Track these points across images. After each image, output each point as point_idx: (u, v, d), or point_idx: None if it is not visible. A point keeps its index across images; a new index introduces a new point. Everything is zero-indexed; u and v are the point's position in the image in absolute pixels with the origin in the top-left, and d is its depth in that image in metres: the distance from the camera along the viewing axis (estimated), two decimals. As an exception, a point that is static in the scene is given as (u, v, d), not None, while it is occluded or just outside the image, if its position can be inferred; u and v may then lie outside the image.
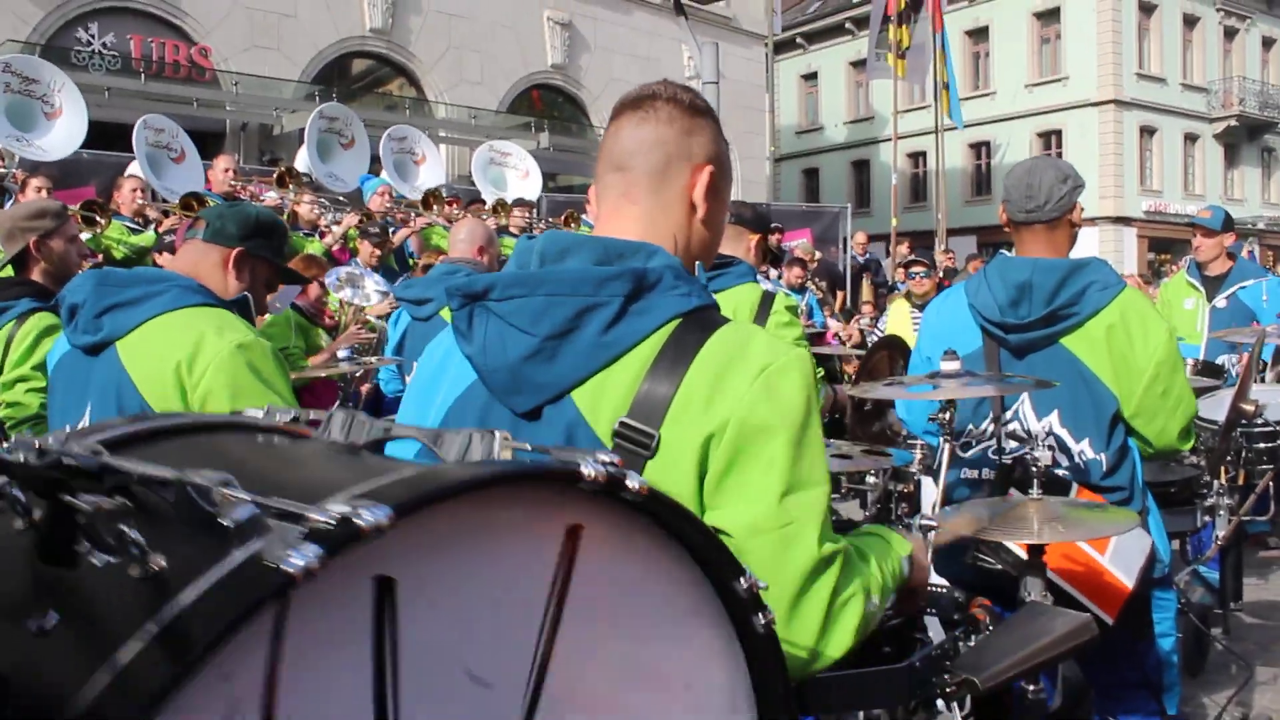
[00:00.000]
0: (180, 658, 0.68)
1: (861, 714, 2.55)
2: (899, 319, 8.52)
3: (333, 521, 0.75)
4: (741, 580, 1.12)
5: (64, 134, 9.49)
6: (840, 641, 1.48)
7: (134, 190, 8.45)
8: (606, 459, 0.98)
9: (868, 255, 16.96)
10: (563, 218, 10.45)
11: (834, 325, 11.59)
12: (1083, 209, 3.26)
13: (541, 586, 0.97)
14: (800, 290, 11.49)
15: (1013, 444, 3.10)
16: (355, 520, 0.75)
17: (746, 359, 1.48)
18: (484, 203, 10.77)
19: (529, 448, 1.10)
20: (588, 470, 0.96)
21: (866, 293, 14.36)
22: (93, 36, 17.26)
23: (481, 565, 0.92)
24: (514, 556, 0.95)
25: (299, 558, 0.72)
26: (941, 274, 11.98)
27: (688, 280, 1.57)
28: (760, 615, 1.14)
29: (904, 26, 18.46)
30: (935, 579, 2.87)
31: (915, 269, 8.54)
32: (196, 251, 2.95)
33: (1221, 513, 3.95)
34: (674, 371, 1.47)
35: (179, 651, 0.69)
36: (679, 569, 1.11)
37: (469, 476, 0.90)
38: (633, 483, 1.00)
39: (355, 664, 0.82)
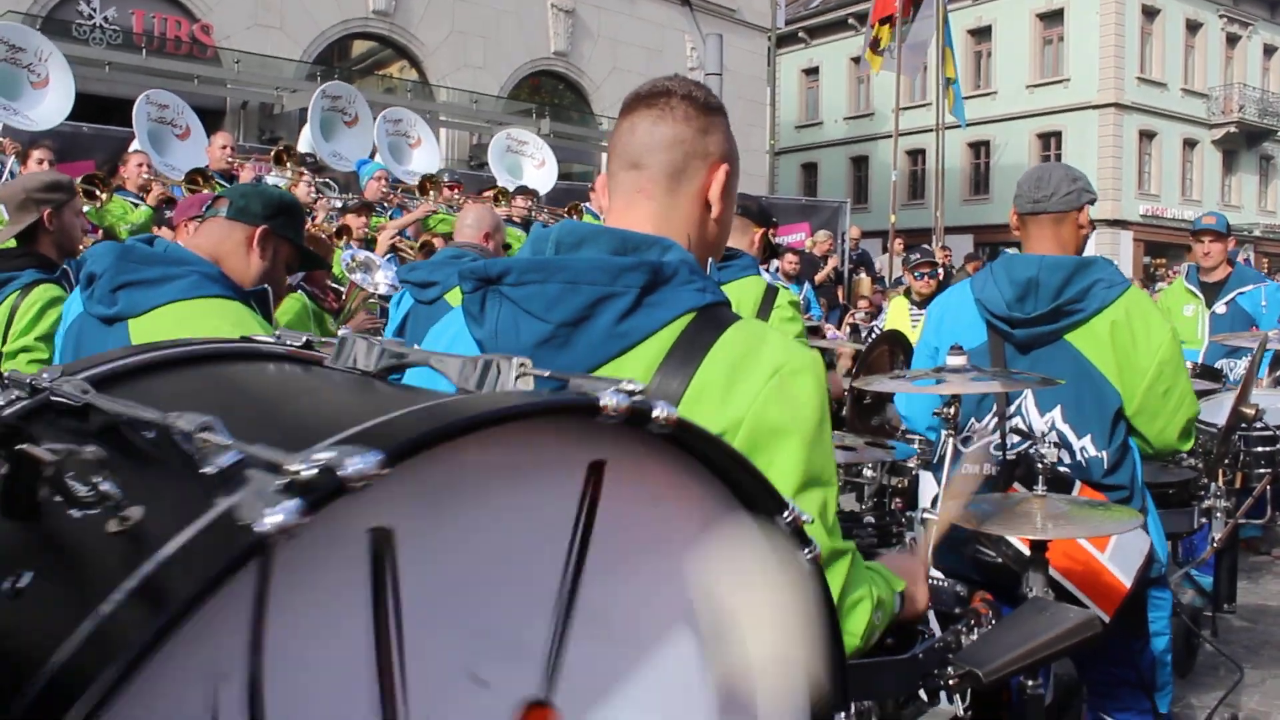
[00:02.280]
0: (156, 616, 0.63)
1: (852, 705, 2.56)
2: (898, 316, 8.53)
3: (314, 471, 0.69)
4: (785, 514, 1.07)
5: (51, 104, 9.44)
6: (847, 641, 1.49)
7: (139, 165, 8.44)
8: (630, 388, 0.91)
9: (859, 251, 16.98)
10: (566, 209, 10.43)
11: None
12: (1091, 219, 3.27)
13: (562, 532, 0.91)
14: (797, 281, 11.51)
15: (1015, 439, 3.11)
16: (339, 470, 0.69)
17: (760, 359, 1.48)
18: (492, 188, 10.75)
19: (547, 374, 1.00)
20: (608, 401, 0.88)
21: (866, 288, 14.37)
22: (94, 10, 17.17)
23: (492, 509, 0.85)
24: (529, 499, 0.88)
25: (275, 514, 0.65)
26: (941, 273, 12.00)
27: (702, 276, 1.57)
28: (806, 550, 1.10)
29: (887, 25, 18.40)
30: (934, 572, 2.89)
31: (921, 269, 8.55)
32: (220, 230, 2.90)
33: (1218, 515, 3.96)
34: (687, 365, 1.47)
35: (155, 610, 0.64)
36: (714, 503, 1.04)
37: (474, 414, 0.82)
38: (659, 411, 0.92)
39: (352, 622, 0.76)
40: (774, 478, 1.42)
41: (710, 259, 1.78)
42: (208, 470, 0.73)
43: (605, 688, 0.96)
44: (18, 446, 0.80)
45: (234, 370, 1.16)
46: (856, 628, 1.51)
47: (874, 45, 18.71)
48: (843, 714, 1.16)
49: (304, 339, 1.22)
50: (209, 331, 2.61)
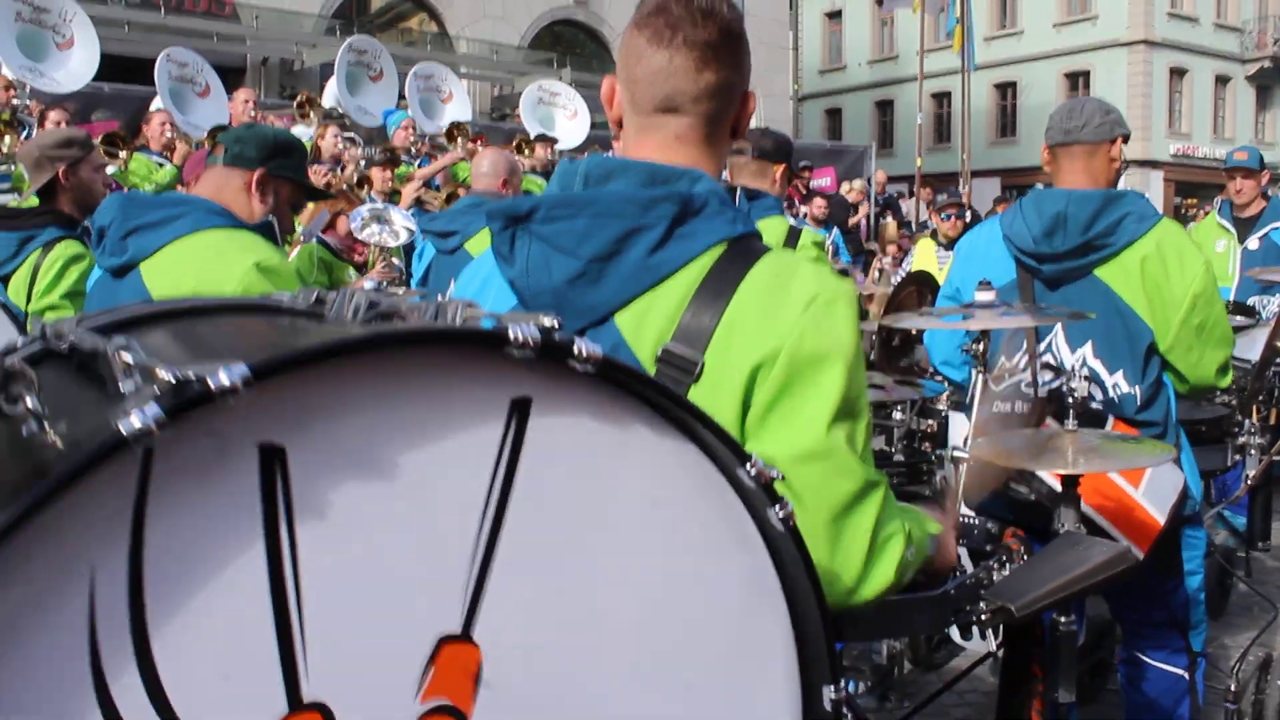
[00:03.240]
0: (29, 495, 0.70)
1: (885, 643, 2.58)
2: (925, 258, 8.48)
3: (178, 379, 0.74)
4: (748, 467, 1.05)
5: (76, 65, 9.43)
6: (882, 575, 1.48)
7: (162, 124, 8.45)
8: (548, 323, 0.90)
9: (885, 195, 16.82)
10: (585, 154, 10.39)
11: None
12: (1124, 153, 3.21)
13: (483, 466, 0.91)
14: (825, 226, 11.41)
15: (1047, 376, 3.07)
16: (209, 380, 0.73)
17: (795, 288, 1.46)
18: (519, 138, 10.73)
19: (498, 318, 0.96)
20: (517, 333, 0.87)
21: (893, 232, 14.23)
22: (113, -32, 17.11)
23: (404, 440, 0.87)
24: (445, 431, 0.89)
25: (137, 418, 0.71)
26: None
27: (733, 207, 1.54)
28: (778, 508, 1.08)
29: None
30: (965, 510, 2.87)
31: (948, 210, 8.51)
32: (219, 176, 2.93)
33: (1252, 452, 3.92)
34: (720, 297, 1.45)
35: (30, 490, 0.70)
36: (670, 455, 1.03)
37: (348, 337, 0.85)
38: (581, 347, 0.91)
39: (243, 535, 0.80)
40: (817, 403, 1.41)
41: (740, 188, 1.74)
42: (123, 387, 0.79)
43: (531, 625, 0.95)
44: None
45: (218, 319, 1.19)
46: (890, 563, 1.48)
47: None
48: (830, 688, 1.15)
49: (316, 295, 1.23)
50: (218, 258, 2.65)
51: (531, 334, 0.88)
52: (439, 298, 1.00)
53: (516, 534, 0.92)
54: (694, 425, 1.04)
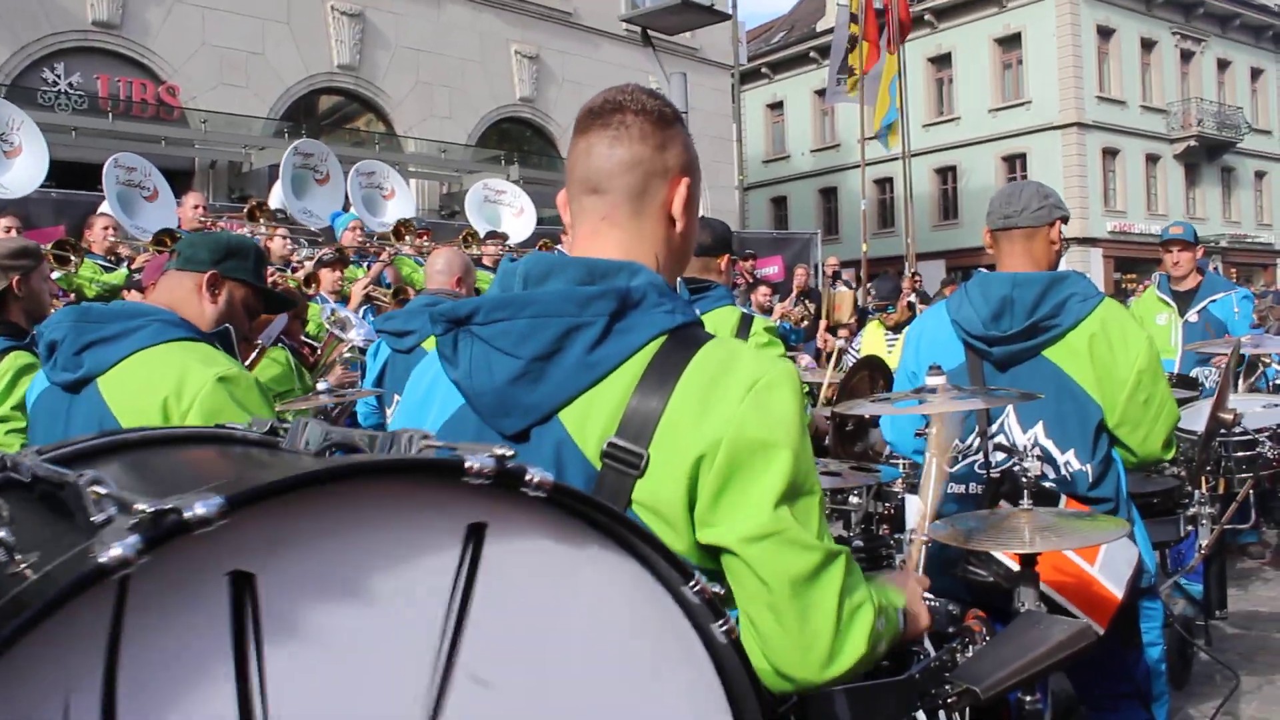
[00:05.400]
0: (8, 625, 0.71)
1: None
2: (874, 341, 8.61)
3: (155, 511, 0.76)
4: (692, 584, 1.09)
5: (24, 172, 9.45)
6: (854, 647, 1.47)
7: (105, 229, 8.44)
8: (502, 452, 0.94)
9: (837, 273, 17.05)
10: (537, 247, 10.46)
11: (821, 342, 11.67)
12: (1063, 237, 3.29)
13: (441, 588, 0.94)
14: (768, 313, 11.54)
15: (999, 457, 3.12)
16: (185, 512, 0.76)
17: (734, 375, 1.47)
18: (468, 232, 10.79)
19: (454, 448, 1.01)
20: (473, 463, 0.92)
21: (847, 307, 14.36)
22: (59, 76, 17.16)
23: (367, 564, 0.90)
24: (405, 553, 0.93)
25: (116, 548, 0.73)
26: (915, 297, 12.08)
27: (671, 297, 1.56)
28: (720, 623, 1.11)
29: (858, 49, 18.68)
30: (924, 593, 2.88)
31: (879, 307, 8.90)
32: (171, 280, 2.94)
33: (1204, 522, 3.98)
34: (661, 389, 1.46)
35: (9, 621, 0.71)
36: (618, 572, 1.07)
37: (317, 469, 0.89)
38: (534, 475, 0.96)
39: (213, 661, 0.82)
40: (761, 490, 1.42)
41: (681, 280, 1.77)
42: (95, 518, 0.82)
43: None
44: None
45: (184, 449, 1.23)
46: (860, 634, 1.47)
47: (854, 69, 18.95)
48: None
49: (269, 425, 1.28)
50: (178, 371, 2.63)
51: (487, 464, 0.93)
52: (394, 399, 1.03)
53: (474, 650, 0.95)
54: (639, 545, 1.08)
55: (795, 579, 1.42)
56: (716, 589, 1.10)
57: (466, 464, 0.92)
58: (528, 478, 0.96)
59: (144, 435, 1.23)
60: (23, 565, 0.79)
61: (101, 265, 7.97)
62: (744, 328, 3.81)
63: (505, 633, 0.98)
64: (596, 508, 1.04)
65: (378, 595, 0.90)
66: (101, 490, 0.83)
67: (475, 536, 0.96)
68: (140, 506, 0.77)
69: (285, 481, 0.85)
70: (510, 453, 0.95)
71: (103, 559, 0.73)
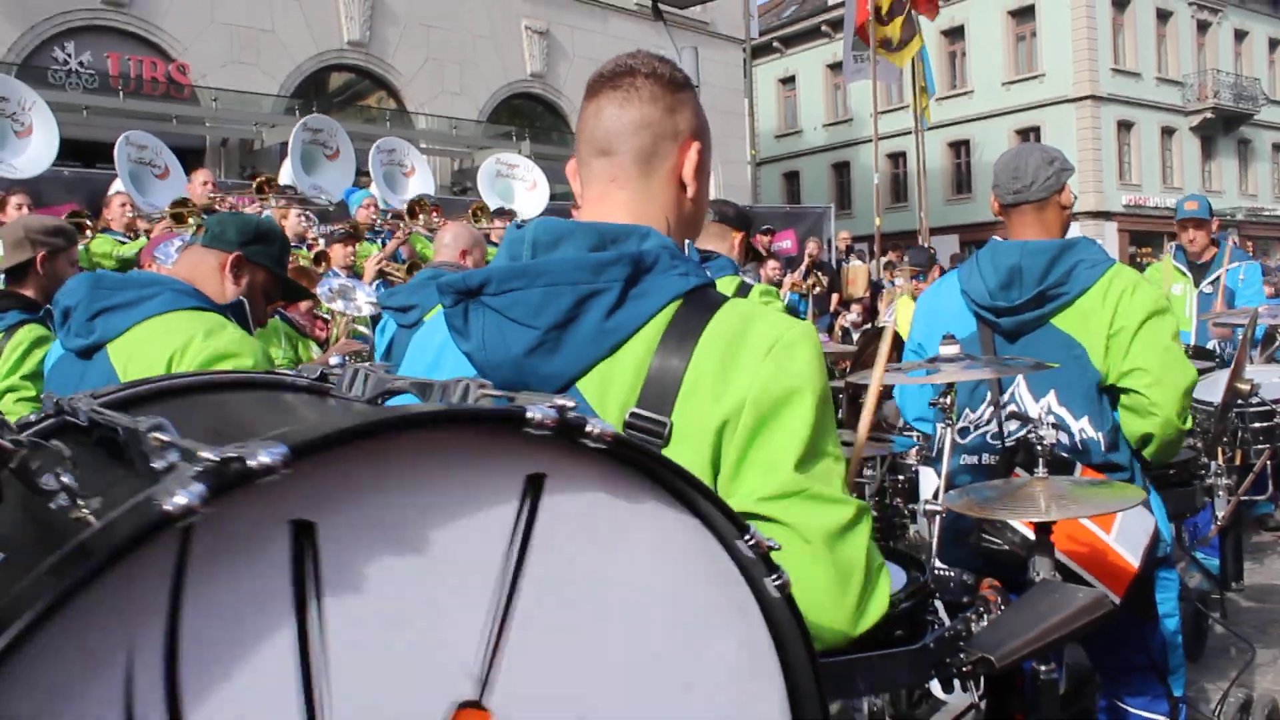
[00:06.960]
0: (70, 577, 0.69)
1: (866, 701, 2.55)
2: (908, 314, 8.60)
3: (221, 459, 0.75)
4: (747, 537, 1.08)
5: (36, 152, 9.49)
6: (880, 602, 1.46)
7: (123, 205, 8.49)
8: (563, 402, 0.94)
9: (850, 248, 17.04)
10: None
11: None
12: (1073, 193, 3.26)
13: (499, 538, 0.93)
14: (777, 286, 11.52)
15: (1013, 426, 3.09)
16: (249, 460, 0.75)
17: (754, 336, 1.45)
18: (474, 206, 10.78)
19: (513, 397, 1.00)
20: (534, 414, 0.91)
21: (861, 281, 14.36)
22: (69, 55, 17.18)
23: (425, 513, 0.90)
24: (464, 505, 0.92)
25: (181, 496, 0.72)
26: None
27: (684, 260, 1.54)
28: (775, 577, 1.09)
29: (894, 20, 18.54)
30: (939, 563, 2.87)
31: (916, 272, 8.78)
32: (194, 255, 2.93)
33: (1220, 493, 3.95)
34: (680, 353, 1.44)
35: (71, 572, 0.70)
36: (673, 526, 1.06)
37: (380, 418, 0.87)
38: (594, 426, 0.95)
39: (274, 612, 0.81)
40: (784, 443, 1.41)
41: (688, 239, 1.76)
42: (155, 464, 0.80)
43: (543, 692, 0.97)
44: None
45: (234, 395, 1.22)
46: (885, 590, 1.47)
47: (885, 44, 18.82)
48: None
49: (319, 371, 1.28)
50: (184, 339, 2.64)
51: (549, 414, 0.91)
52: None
53: (529, 603, 0.95)
54: (696, 498, 1.06)
55: (830, 532, 1.41)
56: (771, 543, 1.08)
57: (528, 414, 0.91)
58: (588, 429, 0.94)
59: (191, 381, 1.22)
60: (86, 511, 0.78)
61: (119, 240, 8.02)
62: (741, 295, 3.79)
63: (561, 584, 0.97)
64: (656, 460, 1.03)
65: (435, 546, 0.90)
66: (164, 437, 0.82)
67: (534, 488, 0.95)
68: (205, 454, 0.76)
69: (349, 431, 0.83)
70: (571, 404, 0.94)
71: (168, 506, 0.71)
